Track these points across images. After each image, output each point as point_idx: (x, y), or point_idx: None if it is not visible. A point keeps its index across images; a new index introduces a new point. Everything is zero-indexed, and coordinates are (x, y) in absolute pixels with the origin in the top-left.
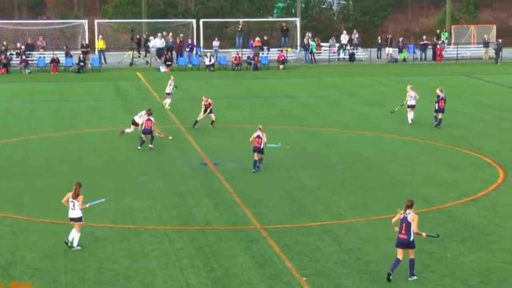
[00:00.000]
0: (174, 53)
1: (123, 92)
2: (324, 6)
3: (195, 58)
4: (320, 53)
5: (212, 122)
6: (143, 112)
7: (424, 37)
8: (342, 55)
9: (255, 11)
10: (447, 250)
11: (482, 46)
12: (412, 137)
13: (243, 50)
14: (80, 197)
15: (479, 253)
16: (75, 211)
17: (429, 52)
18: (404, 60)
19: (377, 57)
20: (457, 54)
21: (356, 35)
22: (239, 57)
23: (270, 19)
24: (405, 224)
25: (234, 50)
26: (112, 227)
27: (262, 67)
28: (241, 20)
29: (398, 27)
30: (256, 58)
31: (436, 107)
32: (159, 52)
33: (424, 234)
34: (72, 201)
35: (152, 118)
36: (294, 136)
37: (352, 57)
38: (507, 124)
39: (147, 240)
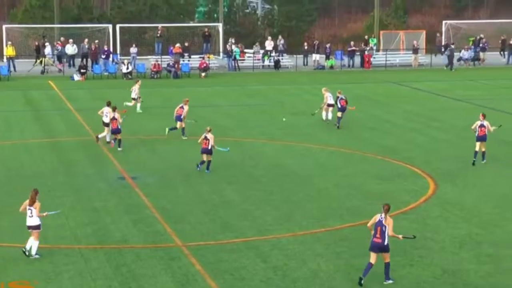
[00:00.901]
0: (89, 60)
1: (34, 102)
2: (247, 11)
3: (112, 65)
4: (244, 60)
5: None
6: (106, 108)
7: (352, 43)
8: (267, 62)
9: (175, 16)
10: (377, 264)
11: (411, 52)
12: (339, 147)
13: (163, 57)
14: (37, 204)
15: (409, 268)
16: (32, 219)
17: (357, 59)
18: (332, 67)
19: (304, 64)
20: (386, 60)
21: (282, 41)
22: (158, 64)
23: (191, 24)
24: (380, 227)
25: (153, 57)
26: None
27: (183, 74)
28: (160, 25)
29: (325, 32)
30: (176, 66)
31: (339, 106)
32: (71, 59)
33: (400, 236)
34: (29, 209)
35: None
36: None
37: (277, 64)
38: (436, 133)
39: (61, 260)
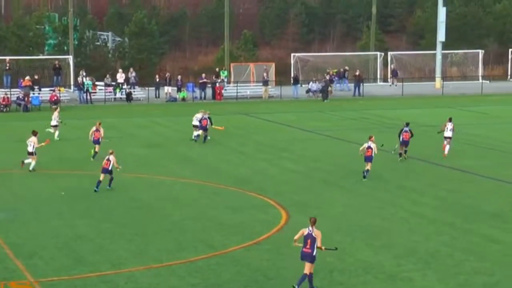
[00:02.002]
0: None
1: None
2: (98, 43)
3: None
4: (95, 92)
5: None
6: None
7: (203, 75)
8: (118, 95)
9: (24, 48)
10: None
11: (261, 84)
12: (193, 179)
13: (12, 90)
14: None
15: None
16: None
17: (209, 91)
18: (184, 99)
19: (156, 97)
20: (237, 92)
21: (133, 74)
22: (7, 97)
23: (41, 56)
24: (310, 239)
25: (2, 90)
26: None
27: (33, 108)
28: (8, 57)
29: (176, 65)
30: (26, 99)
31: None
32: None
33: (323, 248)
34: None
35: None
36: (70, 181)
37: (129, 96)
38: (287, 164)
39: None
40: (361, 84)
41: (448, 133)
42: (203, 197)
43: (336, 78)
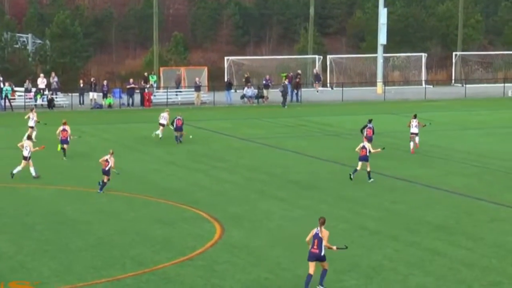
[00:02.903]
0: None
1: None
2: (17, 46)
3: None
4: (14, 99)
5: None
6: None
7: (131, 80)
8: (39, 101)
9: None
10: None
11: (193, 89)
12: (120, 191)
13: None
14: None
15: None
16: None
17: (137, 97)
18: (110, 106)
19: (80, 103)
20: (167, 98)
21: (55, 79)
22: None
23: None
24: (317, 240)
25: None
26: None
27: None
28: None
29: (102, 69)
30: None
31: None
32: None
33: (334, 247)
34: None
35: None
36: None
37: (51, 103)
38: (222, 174)
39: None
40: (299, 90)
41: (414, 129)
42: (132, 210)
43: (286, 82)
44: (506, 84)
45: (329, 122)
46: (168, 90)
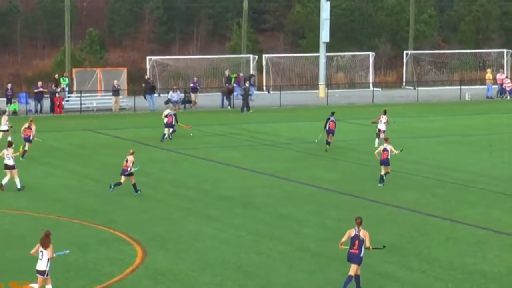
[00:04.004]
0: None
1: None
2: None
3: None
4: None
5: None
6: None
7: (40, 83)
8: None
9: None
10: None
11: (111, 94)
12: (28, 210)
13: None
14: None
15: None
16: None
17: (46, 102)
18: (15, 112)
19: None
20: (81, 104)
21: None
22: None
23: None
24: (358, 241)
25: None
26: None
27: None
28: None
29: (5, 71)
30: None
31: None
32: None
33: (370, 247)
34: (41, 251)
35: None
36: None
37: None
38: (143, 189)
39: None
40: (232, 94)
41: (381, 126)
42: (40, 232)
43: (235, 84)
44: (462, 87)
45: (265, 130)
46: (82, 94)
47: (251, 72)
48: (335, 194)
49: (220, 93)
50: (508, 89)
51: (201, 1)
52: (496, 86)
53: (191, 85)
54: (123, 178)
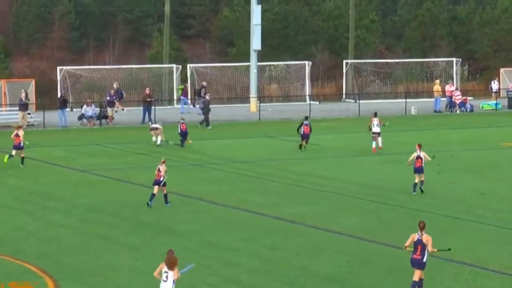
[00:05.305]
0: None
1: None
2: None
3: None
4: None
5: None
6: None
7: None
8: None
9: None
10: None
11: (17, 108)
12: None
13: None
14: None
15: None
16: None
17: None
18: None
19: None
20: None
21: None
22: None
23: None
24: (421, 245)
25: None
26: None
27: None
28: None
29: None
30: None
31: None
32: None
33: (435, 249)
34: (166, 272)
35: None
36: None
37: None
38: (54, 216)
39: None
40: (152, 107)
41: (376, 129)
42: None
43: (182, 97)
44: (408, 100)
45: (190, 149)
46: None
47: (203, 83)
48: (268, 220)
49: (141, 107)
50: (457, 102)
51: (117, 5)
52: (444, 98)
53: (107, 98)
54: (156, 188)
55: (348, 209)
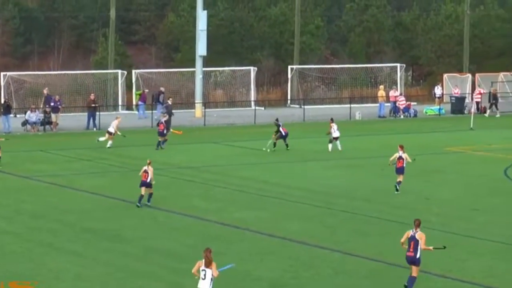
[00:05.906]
0: None
1: None
2: None
3: None
4: None
5: None
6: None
7: None
8: None
9: None
10: None
11: None
12: None
13: None
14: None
15: None
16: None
17: None
18: None
19: None
20: None
21: None
22: None
23: None
24: (413, 242)
25: None
26: None
27: None
28: None
29: None
30: None
31: None
32: None
33: (431, 247)
34: (203, 270)
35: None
36: None
37: None
38: None
39: None
40: (97, 113)
41: (336, 133)
42: None
43: (140, 102)
44: (352, 105)
45: (134, 155)
46: None
47: (161, 88)
48: (212, 225)
49: (86, 113)
50: (401, 107)
51: (62, 10)
52: (389, 104)
53: (52, 104)
54: (143, 190)
55: (292, 214)
